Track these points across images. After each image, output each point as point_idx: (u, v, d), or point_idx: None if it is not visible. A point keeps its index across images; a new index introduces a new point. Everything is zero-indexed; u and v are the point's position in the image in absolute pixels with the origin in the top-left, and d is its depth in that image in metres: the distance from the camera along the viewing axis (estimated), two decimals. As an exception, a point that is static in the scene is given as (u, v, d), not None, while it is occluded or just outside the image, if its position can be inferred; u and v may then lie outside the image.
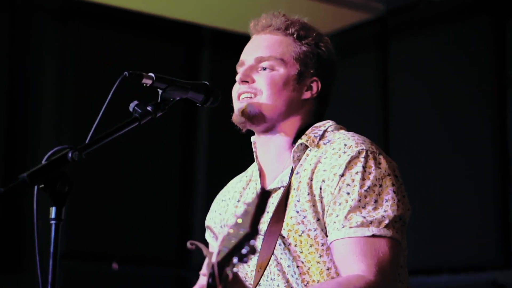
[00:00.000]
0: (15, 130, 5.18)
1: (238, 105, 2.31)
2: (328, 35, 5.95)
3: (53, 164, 1.97)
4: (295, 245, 2.20)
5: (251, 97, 2.29)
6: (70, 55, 5.31)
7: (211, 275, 1.67)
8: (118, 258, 5.12)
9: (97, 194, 5.27)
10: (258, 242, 2.18)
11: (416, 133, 5.46)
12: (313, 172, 2.21)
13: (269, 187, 2.30)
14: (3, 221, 5.02)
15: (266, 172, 2.36)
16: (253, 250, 1.61)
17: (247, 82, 2.31)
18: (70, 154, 2.00)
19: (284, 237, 2.20)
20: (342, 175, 2.15)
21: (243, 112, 2.29)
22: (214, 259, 1.67)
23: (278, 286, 2.24)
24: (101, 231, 5.33)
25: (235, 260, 1.63)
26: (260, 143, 2.37)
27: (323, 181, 2.18)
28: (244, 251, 1.61)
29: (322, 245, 2.18)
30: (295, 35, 2.35)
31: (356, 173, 2.15)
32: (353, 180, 2.14)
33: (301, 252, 2.19)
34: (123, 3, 5.06)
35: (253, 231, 1.60)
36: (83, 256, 5.22)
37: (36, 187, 1.98)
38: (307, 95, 2.33)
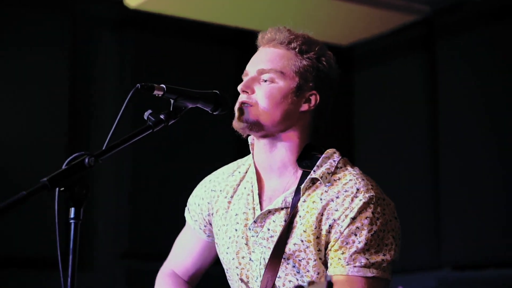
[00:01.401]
0: (78, 138, 5.39)
1: (237, 112, 2.45)
2: (374, 38, 6.07)
3: (72, 169, 2.19)
4: (293, 266, 2.38)
5: (250, 106, 2.42)
6: (128, 63, 5.50)
7: None
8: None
9: (162, 194, 5.45)
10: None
11: (466, 134, 5.51)
12: (325, 209, 2.36)
13: (272, 205, 2.43)
14: (68, 225, 5.25)
15: (264, 179, 2.49)
16: None
17: (247, 92, 2.45)
18: (86, 160, 2.21)
19: (285, 258, 2.39)
20: (354, 218, 2.32)
21: (242, 119, 2.42)
22: None
23: None
24: (165, 231, 5.55)
25: None
26: (259, 147, 2.49)
27: (334, 220, 2.34)
28: None
29: (318, 273, 2.37)
30: (297, 49, 2.46)
31: (366, 218, 2.32)
32: (362, 224, 2.31)
33: (298, 273, 2.38)
34: (178, 12, 5.23)
35: None
36: (146, 256, 5.43)
37: (57, 190, 2.20)
38: (304, 107, 2.44)
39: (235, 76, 5.86)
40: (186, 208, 2.67)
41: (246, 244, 2.45)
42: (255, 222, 2.44)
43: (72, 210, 2.23)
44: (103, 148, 2.30)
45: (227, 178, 2.59)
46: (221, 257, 2.55)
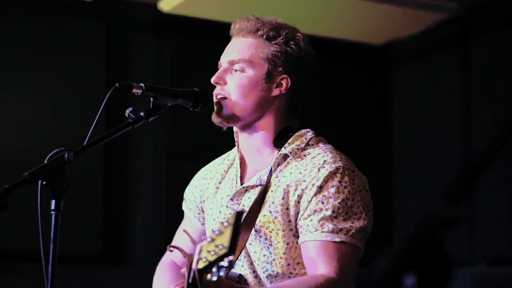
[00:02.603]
0: (115, 141, 5.56)
1: (215, 107, 2.56)
2: (407, 37, 6.06)
3: (52, 163, 2.34)
4: (265, 239, 2.48)
5: (223, 99, 2.54)
6: (165, 67, 5.59)
7: (192, 278, 2.03)
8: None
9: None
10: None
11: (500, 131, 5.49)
12: (293, 181, 2.46)
13: (248, 182, 2.55)
14: (108, 220, 5.40)
15: (247, 162, 2.60)
16: (231, 266, 1.96)
17: (220, 84, 2.56)
18: (66, 155, 2.37)
19: (256, 230, 2.48)
20: (320, 187, 2.42)
21: (218, 114, 2.54)
22: (194, 265, 2.02)
23: (243, 266, 2.52)
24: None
25: (214, 269, 1.97)
26: (242, 136, 2.61)
27: (302, 189, 2.44)
28: (223, 264, 1.95)
29: (287, 244, 2.45)
30: (264, 36, 2.54)
31: (332, 186, 2.41)
32: (329, 192, 2.41)
33: (270, 245, 2.47)
34: (209, 15, 5.33)
35: (231, 250, 1.93)
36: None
37: (40, 183, 2.34)
38: (276, 92, 2.54)
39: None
40: (183, 200, 2.80)
41: None
42: (231, 199, 2.55)
43: (53, 202, 2.37)
44: (84, 144, 2.44)
45: (217, 167, 2.71)
46: None
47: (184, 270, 2.13)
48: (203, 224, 2.73)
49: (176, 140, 5.52)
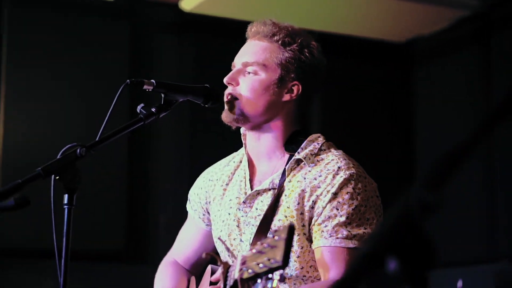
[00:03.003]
0: (137, 139, 5.57)
1: (225, 106, 2.60)
2: (430, 35, 6.06)
3: (64, 159, 2.38)
4: None
5: (234, 99, 2.57)
6: (187, 66, 5.67)
7: (231, 286, 2.07)
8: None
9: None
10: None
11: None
12: (308, 186, 2.49)
13: (260, 186, 2.58)
14: (131, 217, 5.45)
15: (256, 164, 2.64)
16: (282, 279, 2.00)
17: (232, 84, 2.59)
18: (78, 151, 2.41)
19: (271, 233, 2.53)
20: (335, 194, 2.45)
21: (228, 113, 2.58)
22: (237, 275, 2.02)
23: None
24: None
25: (259, 280, 1.98)
26: (250, 137, 2.64)
27: (317, 195, 2.47)
28: (275, 277, 1.96)
29: (301, 247, 2.49)
30: (280, 42, 2.58)
31: (347, 193, 2.45)
32: (343, 199, 2.45)
33: None
34: (230, 14, 5.37)
35: (285, 264, 1.93)
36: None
37: (53, 177, 2.39)
38: (286, 97, 2.57)
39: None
40: (188, 200, 2.84)
41: (238, 226, 2.59)
42: (244, 202, 2.59)
43: (66, 196, 2.40)
44: (96, 139, 2.48)
45: (223, 168, 2.74)
46: (215, 241, 2.70)
47: (218, 277, 2.17)
48: (207, 225, 2.77)
49: (198, 137, 5.56)
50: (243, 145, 2.68)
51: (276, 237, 1.97)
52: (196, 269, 2.84)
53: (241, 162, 2.70)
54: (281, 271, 1.95)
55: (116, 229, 5.37)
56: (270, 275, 1.96)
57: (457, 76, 5.88)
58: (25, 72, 5.22)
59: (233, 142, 2.79)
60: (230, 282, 2.11)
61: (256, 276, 1.97)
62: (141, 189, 5.51)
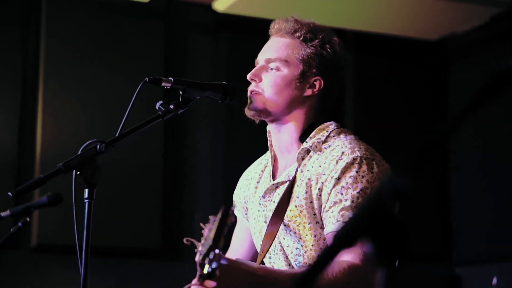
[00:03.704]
0: (172, 139, 5.65)
1: (248, 100, 2.65)
2: (463, 32, 6.01)
3: (85, 154, 2.47)
4: (295, 232, 2.56)
5: (257, 95, 2.62)
6: (221, 65, 5.74)
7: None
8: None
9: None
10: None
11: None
12: (314, 174, 2.54)
13: (277, 179, 2.64)
14: (167, 215, 5.54)
15: (278, 159, 2.69)
16: (217, 259, 2.10)
17: (256, 81, 2.64)
18: (98, 147, 2.49)
19: (285, 224, 2.57)
20: (338, 179, 2.48)
21: (251, 108, 2.62)
22: (196, 258, 2.15)
23: (279, 259, 2.61)
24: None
25: (206, 261, 2.13)
26: (273, 132, 2.69)
27: (322, 183, 2.51)
28: (211, 256, 2.10)
29: (315, 236, 2.53)
30: (301, 38, 2.62)
31: (350, 177, 2.47)
32: (347, 183, 2.46)
33: (300, 238, 2.55)
34: (262, 13, 5.42)
35: (215, 245, 2.08)
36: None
37: (74, 172, 2.47)
38: (308, 92, 2.61)
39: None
40: (233, 203, 2.88)
41: (265, 221, 2.65)
42: (263, 197, 2.65)
43: (86, 191, 2.47)
44: (116, 135, 2.56)
45: (256, 167, 2.82)
46: (253, 238, 2.77)
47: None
48: None
49: (234, 136, 5.63)
50: (268, 142, 2.73)
51: (214, 218, 2.09)
52: None
53: (269, 159, 2.75)
54: (216, 251, 2.06)
55: (152, 227, 5.45)
56: (211, 255, 2.08)
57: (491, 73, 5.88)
58: (62, 73, 5.33)
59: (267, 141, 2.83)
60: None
61: (204, 257, 2.10)
62: (177, 188, 5.59)
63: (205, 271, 2.11)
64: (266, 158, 2.79)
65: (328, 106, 2.68)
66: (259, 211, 2.68)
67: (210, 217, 2.16)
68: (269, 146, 2.74)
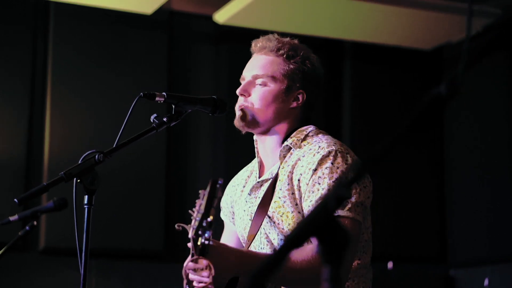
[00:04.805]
0: (176, 145, 5.83)
1: (237, 113, 2.87)
2: (457, 42, 6.14)
3: (84, 164, 2.68)
4: (278, 223, 2.77)
5: (247, 107, 2.84)
6: (222, 75, 5.90)
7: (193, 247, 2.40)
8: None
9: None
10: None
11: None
12: (293, 167, 2.77)
13: (262, 177, 2.87)
14: (170, 217, 5.71)
15: (264, 163, 2.93)
16: (209, 226, 2.39)
17: (244, 95, 2.87)
18: (97, 156, 2.70)
19: (269, 216, 2.79)
20: (315, 170, 2.71)
21: (241, 119, 2.85)
22: (190, 234, 2.43)
23: (266, 252, 2.82)
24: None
25: (200, 232, 2.43)
26: (259, 141, 2.92)
27: (301, 174, 2.74)
28: (204, 225, 2.40)
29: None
30: (284, 55, 2.85)
31: (326, 168, 2.70)
32: (323, 174, 2.69)
33: (283, 229, 2.77)
34: (261, 25, 5.55)
35: (206, 213, 2.38)
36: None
37: (74, 180, 2.68)
38: (293, 104, 2.85)
39: (325, 86, 6.17)
40: (221, 209, 3.11)
41: (251, 219, 2.87)
42: (249, 194, 2.88)
43: (86, 197, 2.69)
44: (113, 146, 2.76)
45: (242, 174, 3.06)
46: (240, 238, 2.99)
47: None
48: None
49: (234, 142, 5.79)
50: (255, 150, 2.95)
51: (204, 192, 2.39)
52: None
53: (255, 166, 2.98)
54: (208, 219, 2.34)
55: (156, 231, 5.63)
56: (204, 224, 2.36)
57: (484, 82, 6.03)
58: (69, 81, 5.52)
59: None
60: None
61: (197, 229, 2.37)
62: (179, 190, 5.77)
63: (198, 242, 2.33)
64: (252, 165, 3.02)
65: (309, 116, 2.92)
66: (244, 210, 2.90)
67: (200, 191, 2.39)
68: (256, 153, 2.96)
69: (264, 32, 5.74)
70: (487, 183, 5.98)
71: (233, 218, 3.05)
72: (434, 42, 6.14)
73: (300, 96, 2.86)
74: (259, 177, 2.90)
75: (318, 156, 2.72)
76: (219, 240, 3.06)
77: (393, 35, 5.97)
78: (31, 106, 5.50)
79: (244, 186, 2.99)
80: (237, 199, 3.00)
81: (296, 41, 2.94)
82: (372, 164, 1.48)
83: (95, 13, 5.63)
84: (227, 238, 3.09)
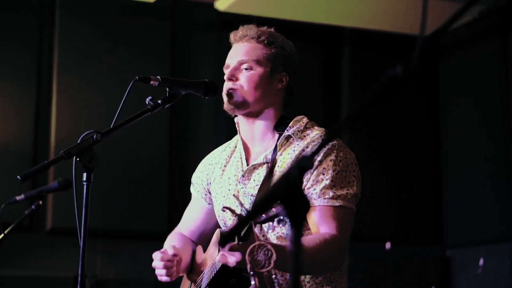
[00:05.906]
0: (178, 134, 5.98)
1: (226, 97, 3.03)
2: (454, 29, 6.20)
3: (83, 143, 2.82)
4: None
5: (236, 90, 3.00)
6: (224, 61, 6.09)
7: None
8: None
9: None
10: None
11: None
12: (296, 156, 2.93)
13: (256, 161, 3.01)
14: (173, 199, 5.88)
15: (250, 147, 3.08)
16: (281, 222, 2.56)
17: (232, 80, 3.02)
18: (94, 136, 2.85)
19: None
20: (321, 161, 2.88)
21: (230, 102, 3.00)
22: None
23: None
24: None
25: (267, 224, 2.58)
26: (244, 123, 3.07)
27: None
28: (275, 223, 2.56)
29: None
30: (265, 42, 3.02)
31: (330, 160, 2.87)
32: (328, 166, 2.87)
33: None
34: (262, 12, 5.71)
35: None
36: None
37: (74, 159, 2.82)
38: (278, 86, 3.02)
39: (324, 72, 6.31)
40: (191, 184, 3.29)
41: (237, 198, 3.01)
42: (243, 176, 3.02)
43: (85, 174, 2.82)
44: (110, 126, 2.92)
45: (220, 154, 3.21)
46: (217, 215, 3.14)
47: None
48: (209, 204, 3.21)
49: (235, 123, 5.92)
50: (237, 131, 3.11)
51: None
52: (199, 242, 3.26)
53: (236, 146, 3.14)
54: (280, 216, 2.46)
55: (159, 212, 5.79)
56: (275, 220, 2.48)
57: (479, 68, 6.14)
58: (74, 69, 5.68)
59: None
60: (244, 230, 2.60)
61: (265, 220, 2.46)
62: (182, 173, 5.88)
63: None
64: (230, 146, 3.17)
65: (289, 101, 3.09)
66: (229, 190, 3.04)
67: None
68: (238, 134, 3.12)
69: (263, 19, 5.95)
70: (482, 165, 6.10)
71: (206, 195, 3.19)
72: (432, 28, 6.23)
73: (284, 79, 3.03)
74: (247, 160, 3.05)
75: (324, 149, 2.89)
76: (183, 211, 3.25)
77: (390, 21, 6.07)
78: (38, 93, 5.65)
79: (225, 166, 3.13)
80: (217, 178, 3.13)
81: (273, 29, 3.11)
82: (334, 134, 1.64)
83: (100, 2, 5.77)
84: (195, 213, 3.25)
